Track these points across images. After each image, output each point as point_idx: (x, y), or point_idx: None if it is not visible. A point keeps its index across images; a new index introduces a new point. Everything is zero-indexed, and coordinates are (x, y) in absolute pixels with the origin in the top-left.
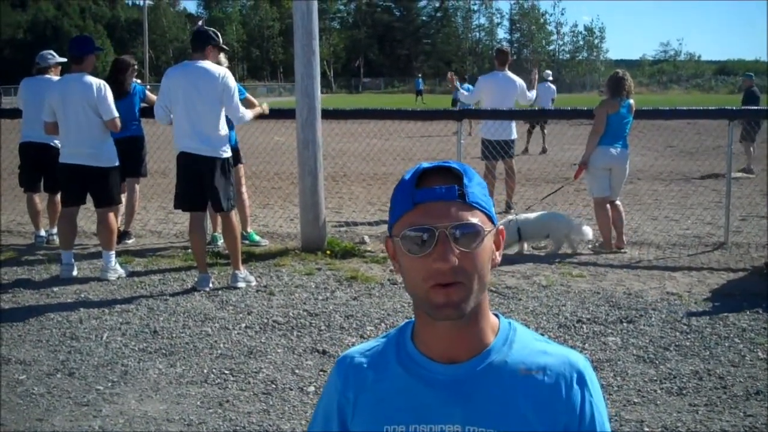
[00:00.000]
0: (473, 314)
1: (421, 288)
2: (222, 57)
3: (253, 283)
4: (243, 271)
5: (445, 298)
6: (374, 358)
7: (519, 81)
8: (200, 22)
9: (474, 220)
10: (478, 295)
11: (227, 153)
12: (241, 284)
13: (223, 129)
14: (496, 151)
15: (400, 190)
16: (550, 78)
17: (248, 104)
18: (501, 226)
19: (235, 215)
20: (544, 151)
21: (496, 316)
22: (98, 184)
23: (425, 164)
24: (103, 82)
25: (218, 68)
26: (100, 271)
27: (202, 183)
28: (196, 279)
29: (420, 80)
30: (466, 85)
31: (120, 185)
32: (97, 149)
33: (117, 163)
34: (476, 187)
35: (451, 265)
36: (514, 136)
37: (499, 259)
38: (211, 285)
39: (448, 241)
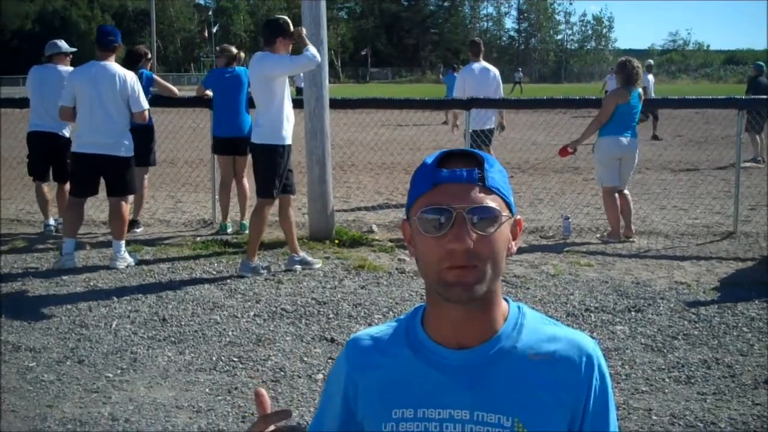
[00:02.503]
0: (485, 301)
1: (434, 269)
2: (233, 48)
3: (317, 265)
4: (299, 254)
5: (457, 278)
6: (383, 342)
7: (494, 71)
8: (209, 12)
9: (493, 204)
10: (491, 281)
11: (274, 141)
12: (298, 267)
13: (280, 119)
14: (481, 140)
15: (421, 171)
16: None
17: None
18: (519, 216)
19: (292, 202)
20: (655, 138)
21: (506, 300)
22: (117, 173)
23: (447, 149)
24: (134, 75)
25: (277, 57)
26: (109, 260)
27: (256, 170)
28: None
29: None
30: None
31: (135, 175)
32: (118, 139)
33: (133, 153)
34: (497, 173)
35: (466, 247)
36: (493, 125)
37: (515, 249)
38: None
39: (464, 223)
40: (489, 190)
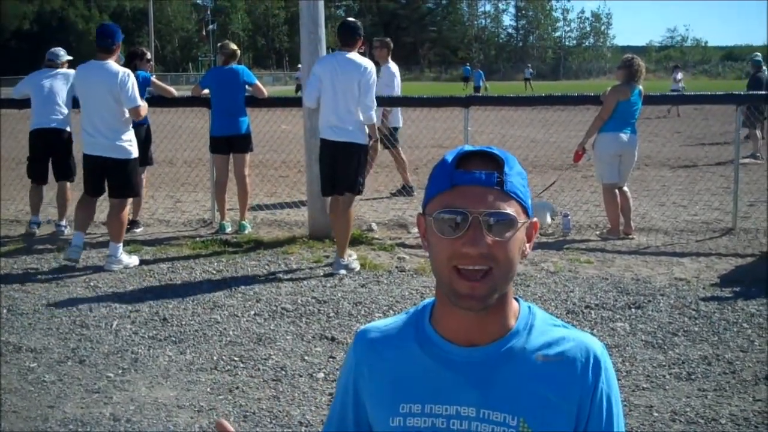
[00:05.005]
0: (497, 303)
1: (445, 268)
2: (230, 45)
3: (357, 269)
4: (345, 258)
5: (470, 290)
6: (392, 336)
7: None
8: (207, 11)
9: (509, 209)
10: (503, 286)
11: (364, 139)
12: (342, 271)
13: (361, 117)
14: (393, 136)
15: (440, 168)
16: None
17: (258, 92)
18: (535, 219)
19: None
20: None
21: (516, 300)
22: (114, 175)
23: (468, 147)
24: (127, 70)
25: (363, 61)
26: (105, 262)
27: (336, 168)
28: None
29: (468, 68)
30: None
31: (139, 177)
32: (115, 140)
33: (135, 155)
34: (516, 176)
35: (479, 252)
36: (400, 123)
37: (529, 251)
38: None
39: (480, 227)
40: (507, 195)
